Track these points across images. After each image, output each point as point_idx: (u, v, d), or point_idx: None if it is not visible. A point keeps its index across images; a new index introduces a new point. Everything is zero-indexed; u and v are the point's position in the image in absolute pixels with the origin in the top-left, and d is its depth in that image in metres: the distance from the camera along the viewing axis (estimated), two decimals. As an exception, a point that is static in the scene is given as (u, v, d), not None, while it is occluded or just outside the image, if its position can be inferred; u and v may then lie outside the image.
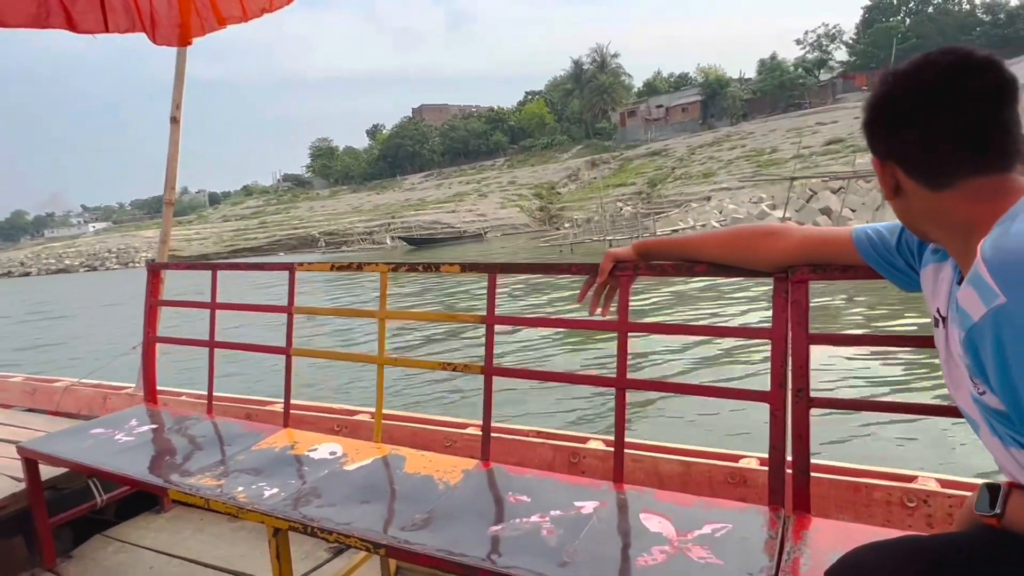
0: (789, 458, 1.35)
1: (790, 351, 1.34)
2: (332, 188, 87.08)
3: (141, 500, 2.40)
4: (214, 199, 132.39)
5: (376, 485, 1.57)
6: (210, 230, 69.26)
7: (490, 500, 1.48)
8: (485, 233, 47.81)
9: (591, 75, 75.21)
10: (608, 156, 63.04)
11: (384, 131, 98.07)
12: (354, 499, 1.49)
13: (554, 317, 1.78)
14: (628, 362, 1.54)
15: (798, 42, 68.60)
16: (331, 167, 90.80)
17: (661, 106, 68.89)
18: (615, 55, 77.20)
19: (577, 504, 1.39)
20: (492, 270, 1.73)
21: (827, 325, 8.30)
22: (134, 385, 2.91)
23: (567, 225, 45.07)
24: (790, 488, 1.34)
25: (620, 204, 44.56)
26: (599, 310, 1.51)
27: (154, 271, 2.46)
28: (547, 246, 32.28)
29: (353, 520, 1.38)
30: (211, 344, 2.24)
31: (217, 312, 2.25)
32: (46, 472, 2.04)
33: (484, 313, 1.73)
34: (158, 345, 2.39)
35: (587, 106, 73.88)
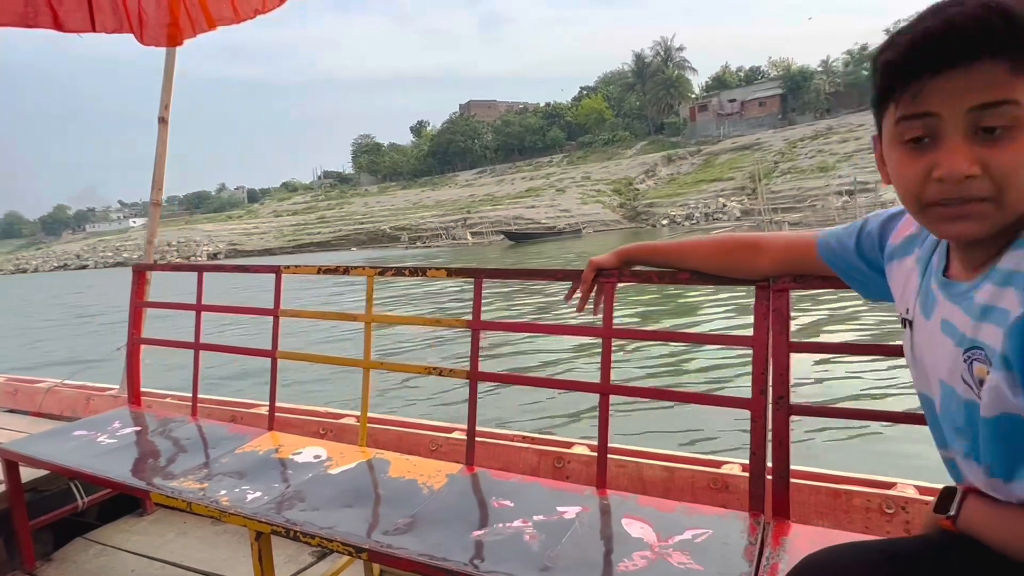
0: (770, 464, 1.37)
1: (771, 359, 1.36)
2: (381, 184, 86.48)
3: (123, 503, 2.39)
4: (252, 196, 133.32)
5: (360, 489, 1.57)
6: (268, 224, 69.14)
7: (474, 504, 1.48)
8: (582, 229, 46.56)
9: (655, 69, 72.63)
10: (684, 151, 61.05)
11: (429, 128, 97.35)
12: (338, 503, 1.49)
13: (539, 323, 1.78)
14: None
15: (887, 32, 66.17)
16: (378, 163, 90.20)
17: (734, 100, 66.45)
18: (680, 48, 74.44)
19: (560, 509, 1.40)
20: (478, 275, 1.74)
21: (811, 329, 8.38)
22: (118, 387, 2.89)
23: (664, 222, 44.75)
24: (770, 494, 1.36)
25: (722, 200, 43.53)
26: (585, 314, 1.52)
27: (139, 272, 2.45)
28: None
29: (336, 524, 1.38)
30: (196, 346, 2.23)
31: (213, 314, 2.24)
32: (27, 474, 2.02)
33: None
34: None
35: (652, 100, 71.44)
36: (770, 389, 1.35)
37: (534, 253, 31.42)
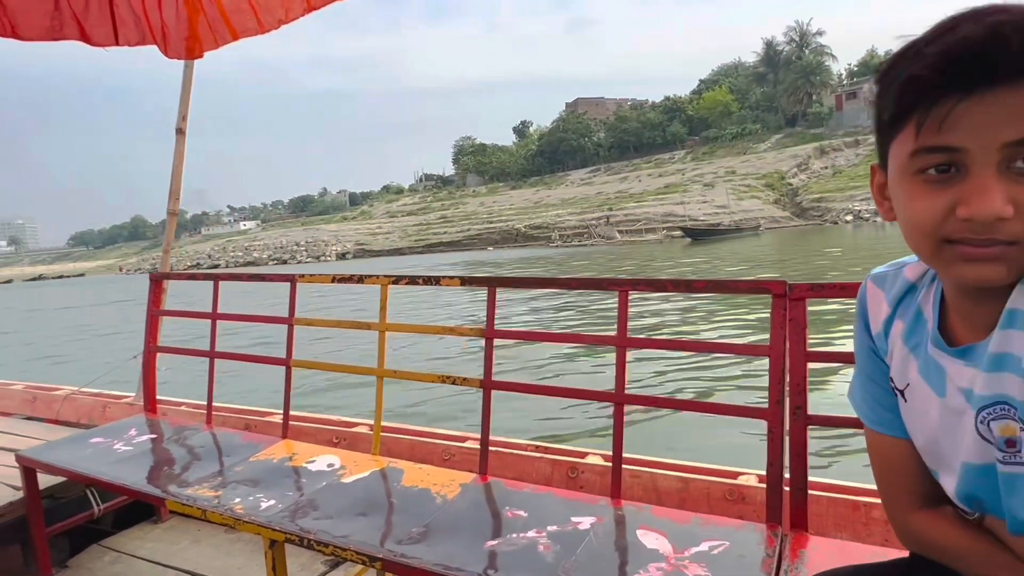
0: (788, 475, 1.35)
1: (788, 368, 1.34)
2: (489, 185, 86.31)
3: (138, 510, 2.40)
4: (353, 199, 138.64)
5: (373, 498, 1.57)
6: (390, 225, 70.63)
7: (487, 514, 1.47)
8: (759, 226, 44.96)
9: (790, 56, 67.97)
10: (838, 143, 57.65)
11: (532, 128, 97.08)
12: (351, 512, 1.49)
13: (553, 332, 1.78)
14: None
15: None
16: (485, 164, 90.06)
17: (891, 86, 63.07)
18: (818, 33, 68.93)
19: (574, 520, 1.39)
20: (491, 284, 1.75)
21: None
22: (134, 394, 2.91)
23: (848, 217, 43.18)
24: (788, 506, 1.34)
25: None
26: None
27: (156, 281, 2.48)
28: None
29: (350, 533, 1.38)
30: (211, 354, 2.25)
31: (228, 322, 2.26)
32: (44, 481, 2.04)
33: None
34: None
35: (788, 90, 66.59)
36: (787, 399, 1.34)
37: (725, 252, 27.42)
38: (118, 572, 2.11)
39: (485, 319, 1.74)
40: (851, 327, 0.90)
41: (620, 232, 48.36)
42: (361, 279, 2.04)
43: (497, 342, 1.74)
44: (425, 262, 44.81)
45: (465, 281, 1.85)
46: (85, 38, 2.23)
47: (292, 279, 2.12)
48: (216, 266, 64.11)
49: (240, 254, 67.44)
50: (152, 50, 2.44)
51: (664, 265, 25.47)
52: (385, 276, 1.94)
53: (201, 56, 2.55)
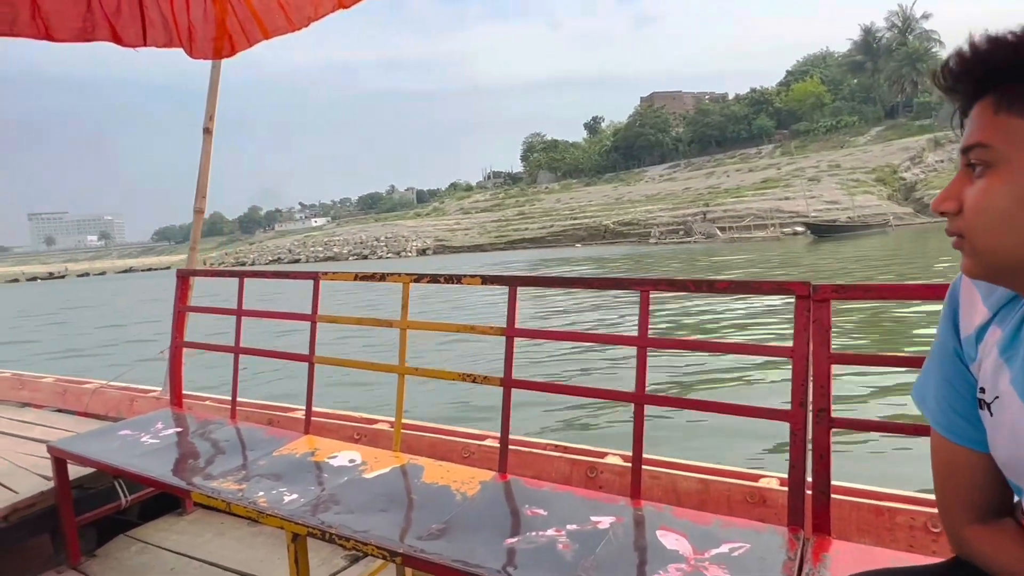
0: (809, 479, 1.34)
1: (811, 370, 1.33)
2: (562, 181, 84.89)
3: (164, 502, 2.45)
4: (421, 197, 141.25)
5: (394, 494, 1.59)
6: (469, 221, 70.40)
7: (506, 512, 1.48)
8: (887, 224, 42.58)
9: (891, 43, 63.93)
10: (955, 134, 55.20)
11: (604, 124, 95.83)
12: (372, 507, 1.51)
13: (574, 331, 1.78)
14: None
15: None
16: (558, 160, 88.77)
17: (1018, 71, 59.52)
18: (923, 16, 64.39)
19: (593, 519, 1.39)
20: (512, 283, 1.75)
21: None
22: (161, 388, 2.97)
23: None
24: (810, 509, 1.33)
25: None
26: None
27: (183, 278, 2.52)
28: None
29: (371, 528, 1.40)
30: (236, 350, 2.28)
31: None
32: (74, 472, 2.09)
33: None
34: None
35: (892, 79, 62.21)
36: (810, 401, 1.33)
37: (869, 250, 23.95)
38: (144, 562, 2.15)
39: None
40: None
41: (721, 229, 45.80)
42: (383, 277, 2.05)
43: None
44: (512, 259, 41.45)
45: (486, 280, 1.86)
46: (116, 39, 2.28)
47: (315, 276, 2.15)
48: (296, 261, 64.71)
49: (320, 249, 67.68)
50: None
51: (865, 267, 19.57)
52: (407, 275, 1.96)
53: (231, 55, 2.59)
